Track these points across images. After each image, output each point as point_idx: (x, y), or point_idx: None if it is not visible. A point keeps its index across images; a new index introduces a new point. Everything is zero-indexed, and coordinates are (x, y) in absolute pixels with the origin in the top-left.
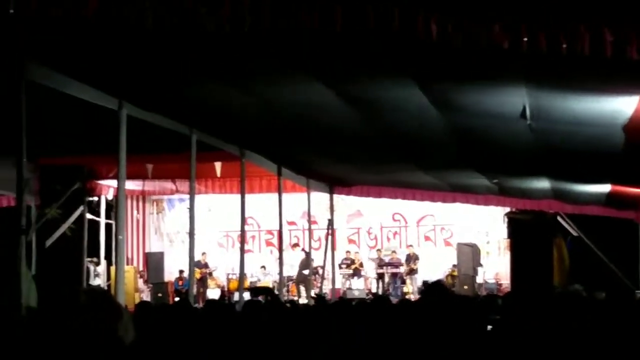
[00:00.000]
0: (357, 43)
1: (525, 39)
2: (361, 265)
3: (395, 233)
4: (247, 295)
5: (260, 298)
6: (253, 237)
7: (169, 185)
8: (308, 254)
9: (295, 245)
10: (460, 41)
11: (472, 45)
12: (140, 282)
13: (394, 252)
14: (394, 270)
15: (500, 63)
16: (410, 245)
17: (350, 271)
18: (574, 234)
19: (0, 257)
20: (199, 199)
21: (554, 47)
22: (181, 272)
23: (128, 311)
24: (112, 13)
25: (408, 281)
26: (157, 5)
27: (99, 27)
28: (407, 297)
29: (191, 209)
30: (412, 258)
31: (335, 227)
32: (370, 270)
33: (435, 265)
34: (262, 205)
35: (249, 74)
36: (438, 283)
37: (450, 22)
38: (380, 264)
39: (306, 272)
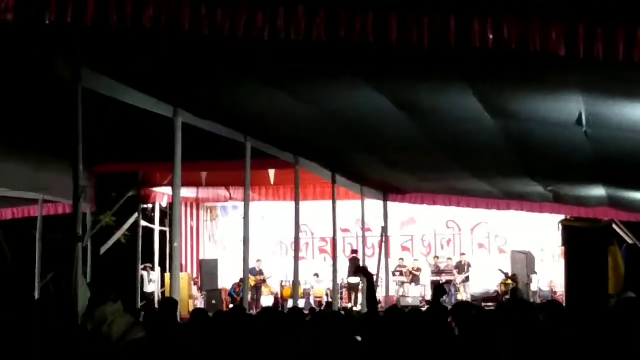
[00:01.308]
0: (412, 52)
1: (582, 45)
2: (418, 270)
3: (449, 240)
4: (301, 303)
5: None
6: (307, 244)
7: (223, 192)
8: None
9: (354, 252)
10: (516, 48)
11: (528, 51)
12: (195, 289)
13: (449, 259)
14: (449, 277)
15: (556, 69)
16: (463, 254)
17: (404, 278)
18: (630, 241)
19: (59, 264)
20: (253, 206)
21: (610, 53)
22: (241, 279)
23: None
24: (168, 21)
25: (462, 289)
26: (212, 14)
27: (154, 34)
28: None
29: (246, 216)
30: (463, 266)
31: (389, 234)
32: (425, 277)
33: (489, 273)
34: (315, 212)
35: (303, 81)
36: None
37: (505, 28)
38: (436, 271)
39: (356, 279)
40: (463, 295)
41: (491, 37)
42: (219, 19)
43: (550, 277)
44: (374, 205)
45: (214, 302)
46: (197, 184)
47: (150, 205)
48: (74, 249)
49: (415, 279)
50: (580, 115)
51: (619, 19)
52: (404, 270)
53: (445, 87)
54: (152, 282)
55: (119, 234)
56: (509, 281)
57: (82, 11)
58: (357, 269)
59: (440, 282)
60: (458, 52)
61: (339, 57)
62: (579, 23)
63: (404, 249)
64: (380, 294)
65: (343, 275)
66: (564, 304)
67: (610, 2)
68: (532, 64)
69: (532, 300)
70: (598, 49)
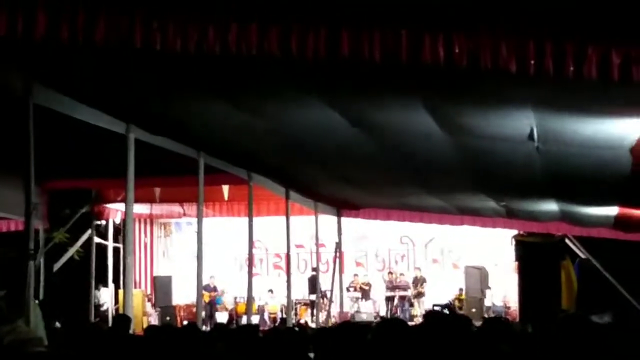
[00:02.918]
0: (364, 67)
1: (532, 62)
2: (367, 285)
3: (403, 256)
4: (255, 319)
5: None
6: (261, 260)
7: (176, 208)
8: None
9: (314, 270)
10: (467, 64)
11: (479, 68)
12: (148, 305)
13: (402, 274)
14: (403, 293)
15: (508, 85)
16: (418, 268)
17: (359, 294)
18: (582, 256)
19: (10, 282)
20: (206, 222)
21: (560, 69)
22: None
23: None
24: (119, 37)
25: (416, 304)
26: (164, 29)
27: (106, 51)
28: (414, 320)
29: (199, 232)
30: (419, 281)
31: (343, 250)
32: (379, 292)
33: (443, 288)
34: (270, 228)
35: (256, 97)
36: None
37: (456, 44)
38: (390, 286)
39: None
40: (417, 311)
41: (442, 53)
42: (170, 35)
43: (503, 292)
44: (328, 221)
45: (168, 318)
46: (150, 200)
47: (103, 222)
48: (26, 266)
49: (365, 294)
50: (531, 130)
51: (569, 36)
52: (356, 285)
53: (398, 102)
54: (102, 300)
55: (72, 251)
56: (463, 296)
57: (32, 26)
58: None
59: (394, 297)
60: (410, 68)
61: (291, 72)
62: (528, 39)
63: (358, 264)
64: (334, 310)
65: (297, 291)
66: (518, 319)
67: (559, 18)
68: (483, 79)
69: (485, 316)
70: (548, 65)
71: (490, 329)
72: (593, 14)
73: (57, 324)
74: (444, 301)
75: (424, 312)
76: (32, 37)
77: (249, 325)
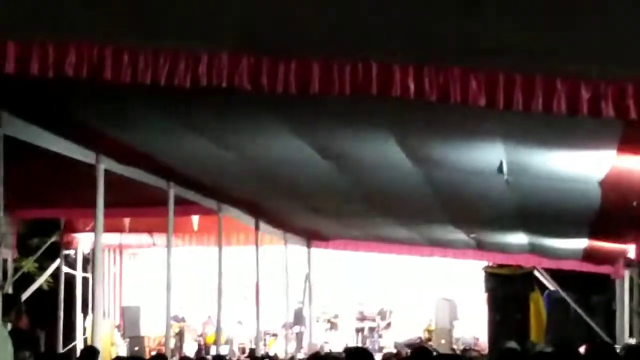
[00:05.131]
0: (334, 100)
1: (501, 95)
2: (336, 316)
3: (372, 287)
4: (223, 349)
5: None
6: (230, 290)
7: (146, 238)
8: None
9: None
10: (437, 98)
11: (448, 102)
12: (117, 335)
13: (371, 306)
14: (372, 324)
15: (477, 119)
16: (387, 299)
17: (328, 325)
18: (551, 288)
19: None
20: (176, 252)
21: (529, 104)
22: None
23: None
24: (90, 69)
25: (385, 335)
26: (134, 61)
27: (76, 82)
28: (383, 351)
29: (168, 263)
30: (386, 312)
31: (312, 280)
32: (348, 324)
33: (412, 320)
34: (239, 258)
35: (226, 127)
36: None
37: (426, 78)
38: (359, 317)
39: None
40: (386, 342)
41: (412, 86)
42: (140, 66)
43: (473, 324)
44: (298, 252)
45: (136, 348)
46: (120, 229)
47: (72, 252)
48: None
49: (334, 326)
50: (501, 163)
51: (537, 70)
52: (325, 317)
53: (367, 134)
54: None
55: (40, 280)
56: (432, 327)
57: (3, 58)
58: None
59: (364, 328)
60: (380, 101)
61: (261, 104)
62: (498, 72)
63: (328, 295)
64: (304, 341)
65: (267, 322)
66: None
67: (529, 53)
68: (453, 112)
69: (454, 347)
70: (517, 98)
71: None
72: (561, 49)
73: (26, 354)
74: (412, 334)
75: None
76: (2, 69)
77: (219, 356)
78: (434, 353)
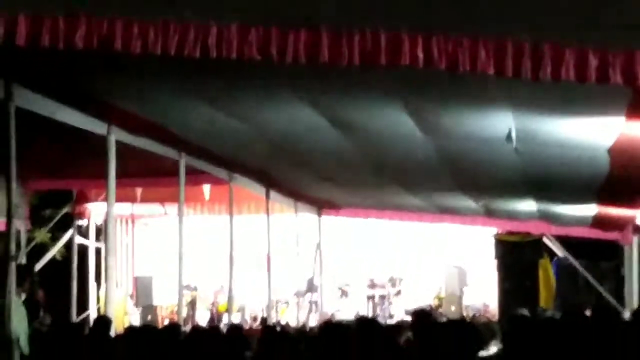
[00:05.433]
0: (344, 70)
1: (510, 64)
2: (347, 285)
3: (384, 254)
4: (235, 318)
5: None
6: (242, 259)
7: (158, 208)
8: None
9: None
10: (445, 66)
11: (457, 71)
12: (130, 304)
13: (382, 273)
14: (383, 291)
15: (486, 87)
16: (397, 267)
17: (339, 293)
18: (560, 255)
19: None
20: (188, 221)
21: (538, 71)
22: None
23: None
24: (100, 41)
25: (395, 302)
26: (144, 33)
27: (87, 54)
28: (394, 318)
29: (180, 232)
30: (396, 280)
31: (323, 249)
32: (359, 292)
33: (422, 287)
34: (251, 227)
35: (237, 98)
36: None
37: (434, 47)
38: (370, 285)
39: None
40: (396, 310)
41: (421, 55)
42: (150, 38)
43: (482, 291)
44: (309, 220)
45: (149, 317)
46: (131, 200)
47: (85, 222)
48: (8, 266)
49: (344, 294)
50: (509, 131)
51: (546, 39)
52: (336, 285)
53: (377, 103)
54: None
55: (53, 251)
56: (442, 294)
57: (14, 31)
58: None
59: (374, 295)
60: (389, 70)
61: (271, 75)
62: (506, 42)
63: (340, 263)
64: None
65: (278, 291)
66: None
67: (537, 21)
68: (462, 81)
69: (464, 313)
70: (526, 66)
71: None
72: (570, 17)
73: (47, 318)
74: (424, 302)
75: (404, 310)
76: (13, 41)
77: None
78: (444, 318)
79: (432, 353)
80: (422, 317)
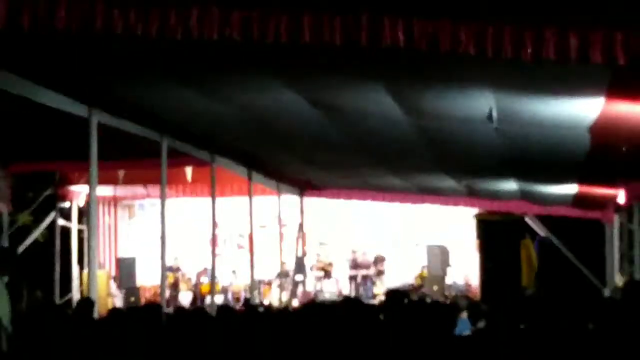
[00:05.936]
0: (325, 51)
1: (490, 44)
2: (330, 265)
3: (365, 234)
4: (218, 299)
5: None
6: (224, 240)
7: (140, 190)
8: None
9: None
10: (426, 47)
11: (438, 52)
12: (113, 286)
13: (364, 253)
14: (365, 272)
15: (467, 68)
16: (379, 247)
17: (321, 274)
18: (542, 234)
19: None
20: (170, 203)
21: (519, 52)
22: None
23: None
24: (81, 23)
25: (378, 282)
26: (126, 13)
27: (67, 34)
28: (376, 298)
29: (162, 214)
30: (378, 260)
31: (306, 230)
32: (342, 272)
33: (405, 267)
34: (233, 208)
35: (218, 79)
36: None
37: (415, 29)
38: (353, 265)
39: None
40: (379, 290)
41: (402, 36)
42: (131, 20)
43: (465, 270)
44: (291, 201)
45: (132, 299)
46: (114, 182)
47: (67, 204)
48: None
49: (327, 274)
50: (490, 111)
51: (527, 19)
52: (319, 265)
53: (359, 85)
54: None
55: (36, 233)
56: (425, 274)
57: None
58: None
59: (357, 275)
60: (370, 51)
61: (252, 56)
62: (487, 24)
63: (322, 244)
64: (298, 290)
65: (261, 271)
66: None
67: (519, 3)
68: (442, 62)
69: (446, 293)
70: (506, 47)
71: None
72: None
73: (39, 294)
74: (405, 280)
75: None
76: None
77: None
78: (428, 299)
79: (404, 333)
80: (396, 297)
